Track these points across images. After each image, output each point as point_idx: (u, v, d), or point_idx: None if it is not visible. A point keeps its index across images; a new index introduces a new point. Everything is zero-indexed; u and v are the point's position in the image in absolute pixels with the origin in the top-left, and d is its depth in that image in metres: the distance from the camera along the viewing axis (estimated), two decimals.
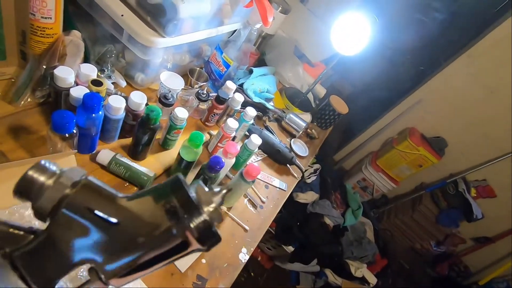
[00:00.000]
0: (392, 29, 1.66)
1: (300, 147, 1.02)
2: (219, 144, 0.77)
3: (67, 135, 0.51)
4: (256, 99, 0.95)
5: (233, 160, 0.68)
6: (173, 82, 0.77)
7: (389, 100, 2.05)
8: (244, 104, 0.87)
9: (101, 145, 0.64)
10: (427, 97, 1.86)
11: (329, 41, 0.99)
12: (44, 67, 0.61)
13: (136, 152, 0.65)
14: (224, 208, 0.71)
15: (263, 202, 0.79)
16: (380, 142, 2.14)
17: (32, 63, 0.62)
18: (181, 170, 0.66)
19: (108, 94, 0.66)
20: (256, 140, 0.73)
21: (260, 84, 0.99)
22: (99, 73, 0.67)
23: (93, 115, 0.55)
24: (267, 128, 0.97)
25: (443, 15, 1.77)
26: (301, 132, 1.01)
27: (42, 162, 0.27)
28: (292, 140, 1.01)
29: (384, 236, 1.99)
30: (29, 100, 0.61)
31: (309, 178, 1.56)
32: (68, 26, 0.65)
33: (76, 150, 0.56)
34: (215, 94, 0.82)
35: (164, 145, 0.72)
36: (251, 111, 0.80)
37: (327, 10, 1.30)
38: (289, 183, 0.89)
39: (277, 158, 0.90)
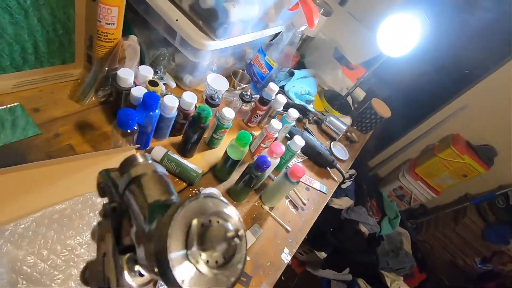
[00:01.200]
0: (435, 29, 1.59)
1: (340, 151, 1.01)
2: (262, 145, 0.78)
3: (129, 131, 0.54)
4: (297, 101, 0.95)
5: (278, 161, 0.68)
6: (218, 84, 0.80)
7: (430, 105, 1.95)
8: (285, 106, 0.87)
9: (154, 142, 0.68)
10: (473, 102, 1.74)
11: (370, 43, 0.97)
12: (106, 69, 0.66)
13: (185, 150, 0.68)
14: (266, 208, 0.72)
15: (304, 204, 0.79)
16: (419, 149, 2.04)
17: (96, 65, 0.67)
18: (227, 169, 0.68)
19: (160, 94, 0.70)
20: (299, 141, 0.73)
21: (301, 86, 0.99)
22: (153, 76, 0.71)
23: (151, 113, 0.58)
24: (307, 130, 0.97)
25: (492, 15, 1.66)
26: (341, 135, 1.00)
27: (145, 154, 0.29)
28: (332, 143, 1.00)
29: (423, 249, 1.88)
30: (93, 99, 0.66)
31: (344, 183, 1.53)
32: (126, 32, 0.70)
33: (138, 145, 0.59)
34: (257, 95, 0.84)
35: (210, 144, 0.75)
36: (293, 113, 0.80)
37: (367, 12, 1.28)
38: (330, 187, 0.88)
39: (318, 161, 0.90)
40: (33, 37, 0.55)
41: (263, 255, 0.64)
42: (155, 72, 0.75)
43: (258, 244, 0.65)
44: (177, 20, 0.67)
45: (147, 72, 0.65)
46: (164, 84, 0.78)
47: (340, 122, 1.00)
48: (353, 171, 1.60)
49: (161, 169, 0.27)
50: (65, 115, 0.62)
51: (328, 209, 1.51)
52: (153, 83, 0.63)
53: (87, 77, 0.66)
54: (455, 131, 1.85)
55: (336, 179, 0.92)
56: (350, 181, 1.59)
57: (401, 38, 0.90)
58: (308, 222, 0.76)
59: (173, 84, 0.80)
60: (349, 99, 1.24)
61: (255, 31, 0.82)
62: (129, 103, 0.61)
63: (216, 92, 0.77)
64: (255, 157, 0.74)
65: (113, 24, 0.64)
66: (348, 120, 1.10)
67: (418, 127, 1.99)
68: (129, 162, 0.27)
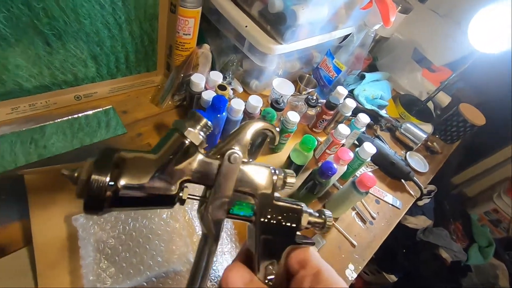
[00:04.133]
0: None
1: (418, 162, 0.89)
2: (327, 151, 0.74)
3: None
4: (368, 106, 0.88)
5: (344, 168, 0.64)
6: (283, 88, 0.79)
7: None
8: (354, 111, 0.82)
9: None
10: None
11: (456, 41, 0.84)
12: (182, 75, 0.72)
13: (249, 153, 0.69)
14: None
15: (373, 217, 0.72)
16: None
17: (173, 72, 0.74)
18: None
19: (228, 98, 0.73)
20: (369, 148, 0.67)
21: (373, 90, 0.92)
22: (222, 81, 0.75)
23: (218, 115, 0.61)
24: (378, 137, 0.89)
25: None
26: (419, 144, 0.88)
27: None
28: (408, 153, 0.90)
29: None
30: (169, 103, 0.73)
31: (421, 199, 1.35)
32: (200, 41, 0.75)
33: (206, 145, 0.63)
34: (324, 100, 0.80)
35: (274, 148, 0.74)
36: (363, 118, 0.74)
37: (453, 7, 1.12)
38: (404, 201, 0.79)
39: (391, 171, 0.81)
40: (125, 48, 0.63)
41: None
42: (224, 78, 0.78)
43: (321, 256, 0.61)
44: (246, 26, 0.69)
45: (217, 77, 0.68)
46: (232, 89, 0.81)
47: (418, 130, 0.89)
48: (432, 187, 1.40)
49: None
50: (146, 117, 0.69)
51: (400, 227, 1.36)
52: (222, 87, 0.66)
53: (166, 83, 0.73)
54: None
55: (413, 193, 0.81)
56: (428, 198, 1.40)
57: (498, 32, 0.76)
58: (377, 238, 0.69)
59: (240, 89, 0.82)
60: (430, 104, 1.10)
61: (323, 34, 0.79)
62: (200, 106, 0.65)
63: (282, 96, 0.76)
64: (320, 163, 0.70)
65: (189, 34, 0.70)
66: (428, 128, 0.97)
67: None
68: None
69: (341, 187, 0.71)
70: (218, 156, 0.26)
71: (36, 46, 0.51)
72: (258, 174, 0.27)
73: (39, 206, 0.44)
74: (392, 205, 0.76)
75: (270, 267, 0.25)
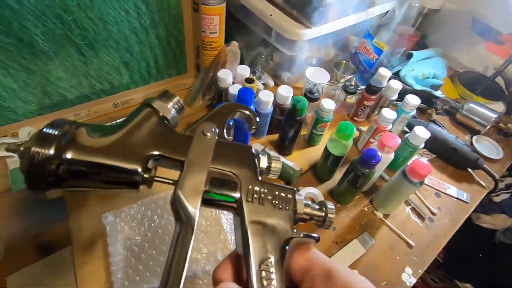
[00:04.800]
0: None
1: (488, 147, 0.75)
2: (371, 140, 0.66)
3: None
4: (418, 87, 0.78)
5: (391, 156, 0.56)
6: (318, 77, 0.74)
7: None
8: (401, 95, 0.72)
9: (252, 141, 0.68)
10: None
11: None
12: (211, 74, 0.71)
13: (283, 147, 0.65)
14: (379, 214, 0.59)
15: (433, 213, 0.61)
16: None
17: (202, 73, 0.74)
18: (328, 167, 0.61)
19: (257, 91, 0.71)
20: (422, 133, 0.58)
21: (423, 69, 0.81)
22: (251, 75, 0.73)
23: None
24: (434, 122, 0.77)
25: None
26: (488, 126, 0.74)
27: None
28: (475, 137, 0.76)
29: None
30: (200, 103, 0.73)
31: (497, 195, 1.15)
32: (229, 38, 0.74)
33: (231, 139, 0.60)
34: (364, 87, 0.73)
35: (310, 141, 0.69)
36: (413, 100, 0.65)
37: None
38: (473, 194, 0.66)
39: (453, 159, 0.69)
40: (153, 52, 0.64)
41: (377, 272, 0.52)
42: (254, 72, 0.76)
43: (369, 257, 0.53)
44: (271, 15, 0.66)
45: (243, 71, 0.66)
46: (263, 83, 0.79)
47: (486, 110, 0.75)
48: (511, 180, 1.18)
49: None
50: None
51: (473, 227, 1.16)
52: (249, 80, 0.64)
53: (195, 84, 0.73)
54: None
55: (484, 184, 0.68)
56: (507, 192, 1.18)
57: None
58: (440, 237, 0.58)
59: (271, 83, 0.79)
60: (500, 80, 0.93)
61: (357, 12, 0.72)
62: (227, 101, 0.63)
63: (316, 85, 0.71)
64: None
65: (216, 32, 0.69)
66: (499, 106, 0.82)
67: None
68: None
69: (389, 178, 0.62)
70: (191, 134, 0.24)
71: (72, 57, 0.54)
72: (239, 152, 0.23)
73: (76, 207, 0.46)
74: (457, 198, 0.65)
75: (266, 266, 0.19)
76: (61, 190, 0.21)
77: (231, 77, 0.65)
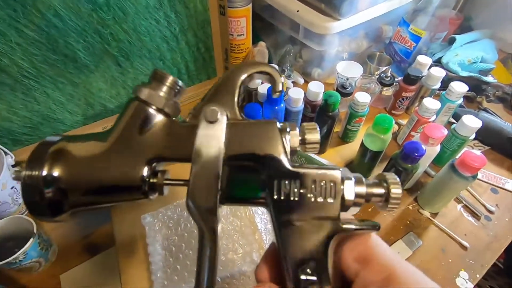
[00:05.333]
0: None
1: None
2: (412, 133, 0.61)
3: None
4: (464, 73, 0.71)
5: (437, 149, 0.51)
6: (350, 71, 0.71)
7: None
8: (444, 83, 0.66)
9: None
10: None
11: None
12: None
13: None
14: (426, 213, 0.55)
15: (490, 211, 0.55)
16: None
17: None
18: (366, 163, 0.57)
19: (287, 89, 0.69)
20: (471, 122, 0.52)
21: (469, 53, 0.73)
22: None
23: (276, 107, 0.57)
24: (485, 110, 0.70)
25: None
26: None
27: None
28: None
29: None
30: None
31: None
32: (256, 40, 0.74)
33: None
34: (401, 77, 0.68)
35: (344, 138, 0.66)
36: (459, 87, 0.59)
37: None
38: None
39: (511, 151, 0.62)
40: (184, 58, 0.66)
41: (426, 275, 0.48)
42: (283, 71, 0.75)
43: (417, 260, 0.49)
44: (298, 11, 0.65)
45: None
46: (292, 82, 0.77)
47: None
48: None
49: None
50: None
51: None
52: None
53: None
54: None
55: None
56: None
57: None
58: (500, 238, 0.52)
59: (301, 80, 0.77)
60: None
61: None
62: (257, 101, 0.63)
63: (348, 80, 0.68)
64: None
65: (243, 34, 0.70)
66: None
67: None
68: None
69: (435, 174, 0.57)
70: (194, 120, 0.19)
71: (110, 68, 0.58)
72: (258, 133, 0.18)
73: (118, 210, 0.48)
74: None
75: (305, 269, 0.16)
76: (68, 213, 0.19)
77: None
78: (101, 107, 0.63)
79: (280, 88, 0.21)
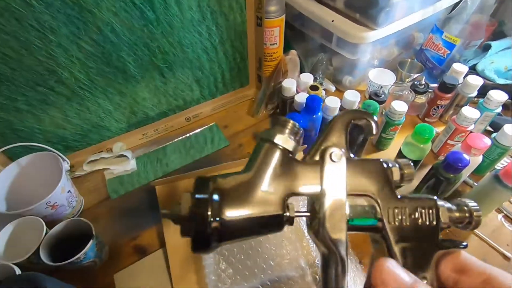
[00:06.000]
0: None
1: None
2: (449, 142, 0.61)
3: None
4: (501, 81, 0.70)
5: (479, 159, 0.51)
6: (382, 78, 0.71)
7: None
8: (480, 91, 0.66)
9: None
10: None
11: None
12: (272, 84, 0.74)
13: (350, 152, 0.64)
14: None
15: None
16: None
17: (264, 83, 0.76)
18: None
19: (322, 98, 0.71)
20: None
21: (506, 60, 0.73)
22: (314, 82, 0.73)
23: (314, 116, 0.59)
24: None
25: None
26: None
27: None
28: None
29: None
30: (264, 112, 0.75)
31: None
32: (287, 48, 0.76)
33: (305, 146, 0.61)
34: (435, 85, 0.68)
35: (379, 145, 0.67)
36: (497, 95, 0.59)
37: None
38: None
39: None
40: (221, 68, 0.69)
41: None
42: (314, 79, 0.76)
43: None
44: (332, 21, 0.66)
45: (307, 78, 0.67)
46: (324, 89, 0.78)
47: None
48: None
49: None
50: (244, 128, 0.73)
51: None
52: (314, 87, 0.65)
53: (258, 94, 0.76)
54: None
55: None
56: None
57: None
58: None
59: (332, 88, 0.79)
60: None
61: (425, 8, 0.68)
62: (293, 110, 0.65)
63: (381, 88, 0.69)
64: (442, 157, 0.59)
65: (276, 43, 0.72)
66: None
67: None
68: None
69: (475, 184, 0.57)
70: (317, 159, 0.22)
71: (155, 79, 0.61)
72: (369, 169, 0.22)
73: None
74: None
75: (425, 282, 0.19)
76: (221, 244, 0.21)
77: (295, 85, 0.66)
78: (143, 115, 0.66)
79: (375, 133, 0.24)
